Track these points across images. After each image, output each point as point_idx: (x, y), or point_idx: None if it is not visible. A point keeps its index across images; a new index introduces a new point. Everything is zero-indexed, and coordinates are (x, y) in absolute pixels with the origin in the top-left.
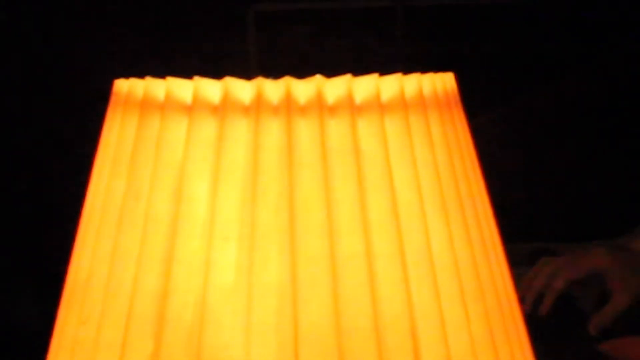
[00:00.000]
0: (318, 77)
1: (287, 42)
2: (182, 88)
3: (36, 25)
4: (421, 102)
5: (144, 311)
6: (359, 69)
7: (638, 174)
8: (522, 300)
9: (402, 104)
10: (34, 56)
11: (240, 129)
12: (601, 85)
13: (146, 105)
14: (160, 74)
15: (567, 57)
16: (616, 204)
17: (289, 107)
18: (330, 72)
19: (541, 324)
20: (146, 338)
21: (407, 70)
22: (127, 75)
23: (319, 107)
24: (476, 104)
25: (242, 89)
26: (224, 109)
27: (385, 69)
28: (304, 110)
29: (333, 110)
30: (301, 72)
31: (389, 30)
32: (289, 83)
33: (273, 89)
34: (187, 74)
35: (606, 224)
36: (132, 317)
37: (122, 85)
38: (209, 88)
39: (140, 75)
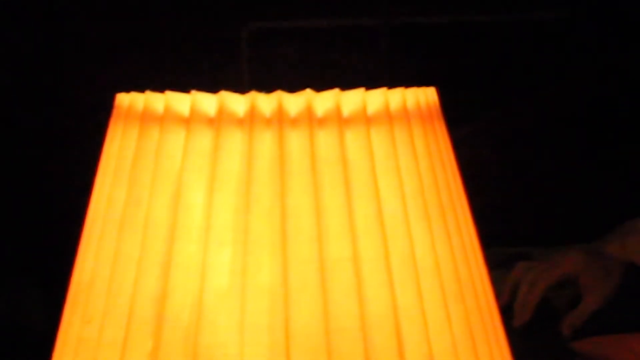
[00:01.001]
0: (308, 91)
1: (278, 58)
2: (180, 101)
3: (44, 44)
4: (405, 115)
5: (143, 312)
6: (346, 84)
7: (610, 182)
8: (499, 299)
9: (387, 117)
10: (42, 72)
11: (234, 140)
12: (575, 98)
13: (146, 117)
14: (160, 88)
15: (542, 72)
16: (589, 210)
17: (280, 120)
18: (319, 86)
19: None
20: (146, 337)
21: (391, 84)
22: (128, 89)
23: (309, 119)
24: (457, 117)
25: (236, 102)
26: (219, 121)
27: (370, 84)
28: (294, 122)
29: (322, 122)
30: (292, 87)
31: (374, 47)
32: (280, 97)
33: (265, 102)
34: (184, 88)
35: (579, 230)
36: (133, 317)
37: (124, 99)
38: (205, 101)
39: (141, 89)
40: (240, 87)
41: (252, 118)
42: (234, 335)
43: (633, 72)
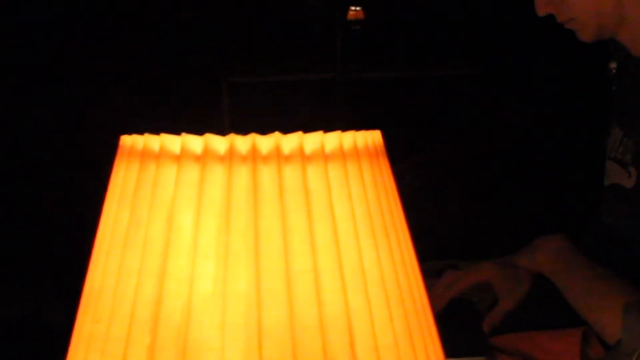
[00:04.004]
0: (277, 134)
1: (252, 106)
2: (172, 142)
3: (64, 101)
4: (356, 153)
5: (143, 313)
6: (308, 127)
7: (522, 208)
8: (432, 303)
9: (341, 154)
10: (65, 120)
11: (217, 174)
12: (490, 138)
13: (145, 155)
14: (156, 131)
15: (466, 119)
16: (505, 231)
17: (254, 157)
18: (286, 129)
19: (447, 322)
20: (144, 334)
21: (345, 128)
22: (130, 132)
23: (277, 156)
24: (397, 154)
25: (218, 142)
26: (204, 158)
27: (328, 127)
28: (266, 159)
29: (288, 159)
30: (264, 130)
31: (330, 98)
32: (254, 138)
33: (242, 142)
34: (176, 131)
35: (498, 246)
36: (134, 317)
37: (127, 140)
38: (193, 142)
39: (140, 132)
40: (222, 130)
41: (231, 155)
42: (216, 333)
43: (535, 116)
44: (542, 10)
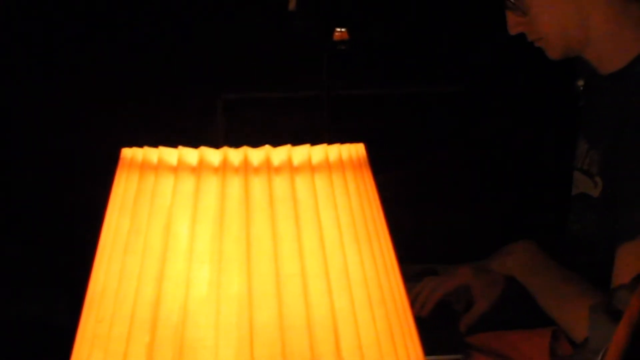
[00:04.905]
0: (267, 147)
1: (244, 121)
2: (170, 154)
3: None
4: (340, 165)
5: (142, 314)
6: (296, 141)
7: (496, 217)
8: (412, 305)
9: (327, 166)
10: (74, 135)
11: (211, 184)
12: (468, 152)
13: (144, 166)
14: (154, 144)
15: (445, 133)
16: (480, 237)
17: (246, 168)
18: (276, 143)
19: (426, 322)
20: (144, 333)
21: (330, 141)
22: (130, 145)
23: (268, 168)
24: (379, 166)
25: (213, 155)
26: (200, 169)
27: (314, 141)
28: (257, 170)
29: (278, 170)
30: (255, 143)
31: (317, 113)
32: (246, 151)
33: (235, 155)
34: (173, 144)
35: (474, 251)
36: (134, 318)
37: (127, 152)
38: (189, 154)
39: (140, 145)
40: (216, 144)
41: (224, 167)
42: (211, 332)
43: (509, 130)
44: (513, 29)
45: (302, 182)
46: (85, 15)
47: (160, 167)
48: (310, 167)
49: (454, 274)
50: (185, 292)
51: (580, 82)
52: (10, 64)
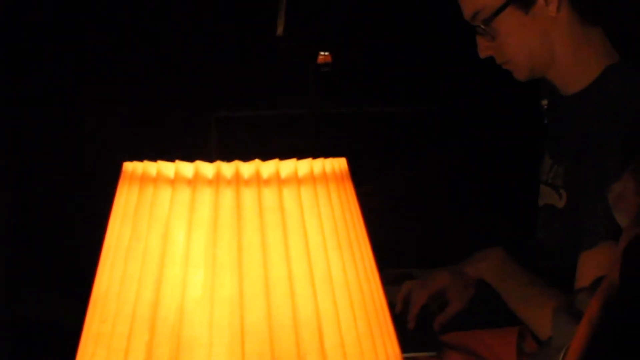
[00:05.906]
0: (257, 161)
1: (236, 138)
2: (168, 168)
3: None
4: (324, 177)
5: (142, 314)
6: (283, 155)
7: (468, 225)
8: (393, 307)
9: (311, 178)
10: (81, 150)
11: (206, 195)
12: (442, 165)
13: (144, 179)
14: (153, 158)
15: (421, 148)
16: (453, 244)
17: (237, 181)
18: (265, 157)
19: (402, 322)
20: (144, 331)
21: (315, 156)
22: (131, 159)
23: (257, 180)
24: (360, 178)
25: (207, 168)
26: (195, 181)
27: (300, 155)
28: (247, 182)
29: (267, 182)
30: (246, 158)
31: (303, 130)
32: (237, 164)
33: (227, 168)
34: (171, 158)
35: (447, 257)
36: (135, 318)
37: (128, 166)
38: (186, 168)
39: (140, 159)
40: (210, 158)
41: (218, 180)
42: (205, 331)
43: (480, 146)
44: (483, 53)
45: (289, 194)
46: (88, 39)
47: (158, 180)
48: (296, 180)
49: (434, 278)
50: (181, 294)
51: (545, 102)
52: (18, 80)
